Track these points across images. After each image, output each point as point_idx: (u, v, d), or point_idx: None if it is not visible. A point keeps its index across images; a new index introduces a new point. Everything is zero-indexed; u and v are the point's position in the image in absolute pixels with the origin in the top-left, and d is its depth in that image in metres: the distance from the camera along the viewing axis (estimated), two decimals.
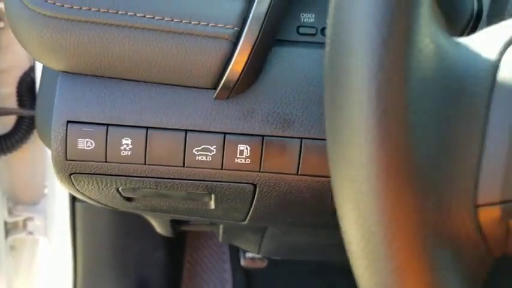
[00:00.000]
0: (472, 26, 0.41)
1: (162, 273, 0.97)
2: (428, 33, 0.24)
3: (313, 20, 0.48)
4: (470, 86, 0.24)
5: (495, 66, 0.25)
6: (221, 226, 0.72)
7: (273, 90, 0.45)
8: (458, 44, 0.26)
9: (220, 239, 0.75)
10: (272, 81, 0.45)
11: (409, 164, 0.22)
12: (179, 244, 1.06)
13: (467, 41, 0.26)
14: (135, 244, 0.92)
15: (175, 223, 0.73)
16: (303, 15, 0.47)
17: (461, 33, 0.41)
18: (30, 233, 1.01)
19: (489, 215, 0.24)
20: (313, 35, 0.48)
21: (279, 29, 0.46)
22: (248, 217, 0.54)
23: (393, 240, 0.23)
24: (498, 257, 0.26)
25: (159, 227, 0.73)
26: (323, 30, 0.48)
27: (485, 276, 0.26)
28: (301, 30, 0.48)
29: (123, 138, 0.45)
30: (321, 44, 0.48)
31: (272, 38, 0.45)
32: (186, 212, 0.58)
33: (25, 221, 0.99)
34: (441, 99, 0.24)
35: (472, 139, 0.24)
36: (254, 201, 0.50)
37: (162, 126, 0.45)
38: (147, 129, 0.45)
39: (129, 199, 0.53)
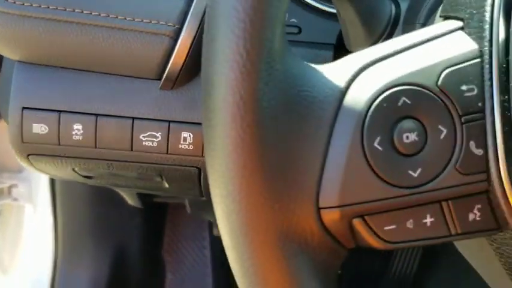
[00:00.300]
0: (389, 31, 0.44)
1: (141, 240, 1.02)
2: (281, 59, 0.28)
3: None
4: (317, 110, 0.28)
5: (343, 93, 0.29)
6: (186, 200, 0.77)
7: None
8: (310, 70, 0.29)
9: (188, 211, 0.80)
10: None
11: (259, 173, 0.27)
12: (159, 212, 1.11)
13: (321, 68, 0.30)
14: (114, 212, 0.97)
15: (142, 196, 0.77)
16: None
17: (379, 39, 0.44)
18: (15, 199, 1.06)
19: (331, 217, 0.28)
20: None
21: None
22: (204, 194, 0.59)
23: (251, 239, 0.27)
24: (359, 247, 0.30)
25: (129, 199, 0.78)
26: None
27: (339, 266, 0.30)
28: None
29: (74, 124, 0.49)
30: None
31: None
32: (146, 188, 0.62)
33: (10, 187, 1.04)
34: (290, 121, 0.28)
35: (315, 156, 0.28)
36: (201, 182, 0.54)
37: (111, 114, 0.49)
38: (96, 116, 0.49)
39: (87, 177, 0.57)
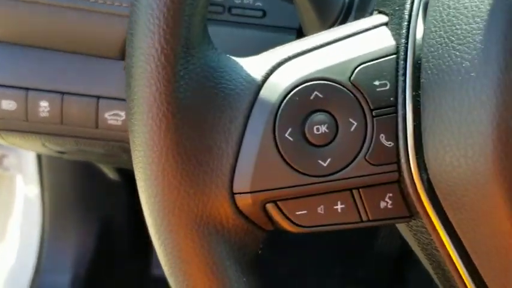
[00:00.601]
0: (342, 18, 0.45)
1: (127, 212, 1.04)
2: (198, 53, 0.29)
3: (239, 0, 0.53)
4: (234, 102, 0.30)
5: (259, 86, 0.30)
6: None
7: None
8: (230, 63, 0.31)
9: None
10: None
11: (175, 160, 0.28)
12: None
13: (242, 61, 0.31)
14: (99, 184, 0.99)
15: (121, 169, 0.80)
16: None
17: (332, 25, 0.45)
18: (7, 169, 1.08)
19: (244, 201, 0.30)
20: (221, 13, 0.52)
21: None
22: None
23: (168, 222, 0.29)
24: (278, 230, 0.32)
25: (108, 172, 0.80)
26: (230, 9, 0.52)
27: (257, 246, 0.32)
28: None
29: (40, 101, 0.51)
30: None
31: None
32: (117, 163, 0.64)
33: (1, 157, 1.07)
34: (206, 111, 0.29)
35: (230, 144, 0.30)
36: None
37: (76, 92, 0.51)
38: (62, 94, 0.51)
39: (60, 152, 0.60)
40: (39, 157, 0.94)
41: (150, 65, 0.28)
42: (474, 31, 0.27)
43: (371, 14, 0.37)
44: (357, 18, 0.44)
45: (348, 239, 0.97)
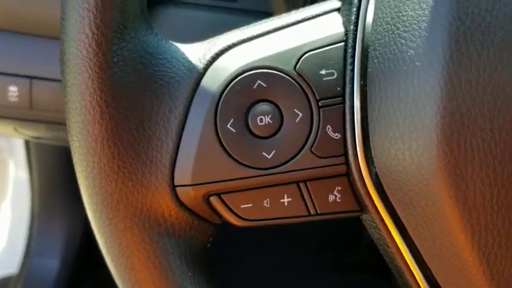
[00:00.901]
0: (311, 2, 0.43)
1: None
2: (134, 39, 0.28)
3: None
4: (173, 90, 0.28)
5: (201, 74, 0.29)
6: None
7: None
8: (171, 50, 0.29)
9: None
10: None
11: (111, 151, 0.27)
12: None
13: (184, 47, 0.30)
14: None
15: None
16: None
17: (304, 5, 0.44)
18: None
19: (186, 194, 0.29)
20: None
21: None
22: None
23: (106, 216, 0.28)
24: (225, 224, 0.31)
25: None
26: None
27: (206, 240, 0.31)
28: None
29: (9, 86, 0.50)
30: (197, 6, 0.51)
31: None
32: None
33: None
34: (143, 100, 0.28)
35: (170, 135, 0.28)
36: None
37: (46, 77, 0.50)
38: (31, 79, 0.50)
39: (35, 137, 0.59)
40: (27, 141, 0.93)
41: (81, 51, 0.27)
42: (420, 17, 0.25)
43: None
44: None
45: (335, 226, 0.97)
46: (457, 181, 0.25)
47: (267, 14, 0.52)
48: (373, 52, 0.27)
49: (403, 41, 0.26)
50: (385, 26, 0.27)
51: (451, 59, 0.24)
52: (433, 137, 0.25)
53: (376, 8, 0.28)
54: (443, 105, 0.25)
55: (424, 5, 0.25)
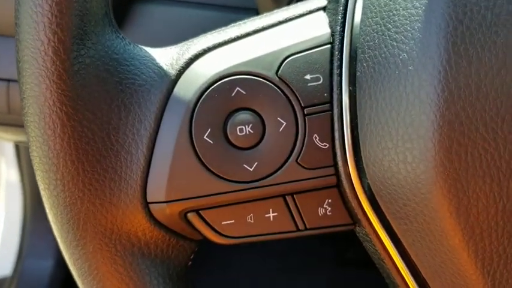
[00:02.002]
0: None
1: None
2: (97, 45, 0.25)
3: None
4: (143, 99, 0.26)
5: (173, 81, 0.27)
6: None
7: None
8: (140, 55, 0.26)
9: None
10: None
11: (74, 167, 0.25)
12: None
13: (155, 52, 0.27)
14: None
15: None
16: None
17: (289, 2, 0.42)
18: None
19: (162, 212, 0.27)
20: None
21: None
22: None
23: (73, 237, 0.26)
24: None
25: None
26: None
27: (186, 258, 0.29)
28: None
29: None
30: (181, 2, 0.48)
31: None
32: None
33: None
34: (109, 111, 0.25)
35: (140, 148, 0.26)
36: None
37: None
38: (8, 82, 0.48)
39: (18, 142, 0.56)
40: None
41: (36, 60, 0.24)
42: (412, 17, 0.23)
43: None
44: None
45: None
46: (457, 196, 0.23)
47: (252, 11, 0.49)
48: (362, 55, 0.25)
49: (394, 43, 0.23)
50: (375, 27, 0.24)
51: (448, 63, 0.22)
52: (430, 148, 0.23)
53: (364, 7, 0.25)
54: (440, 113, 0.22)
55: (418, 3, 0.23)
